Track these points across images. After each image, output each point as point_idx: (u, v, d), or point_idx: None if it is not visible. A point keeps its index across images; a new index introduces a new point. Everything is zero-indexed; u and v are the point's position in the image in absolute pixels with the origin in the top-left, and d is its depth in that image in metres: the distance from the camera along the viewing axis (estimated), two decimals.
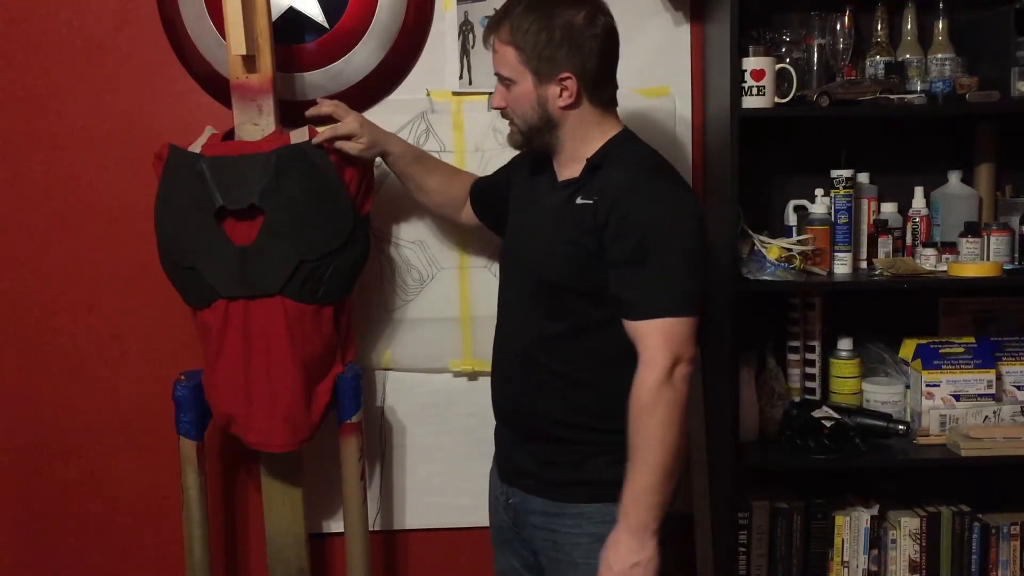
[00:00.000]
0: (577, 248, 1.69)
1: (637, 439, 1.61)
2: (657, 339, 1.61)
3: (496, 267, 2.28)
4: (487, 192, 2.06)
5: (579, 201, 1.70)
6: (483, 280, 2.29)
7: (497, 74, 1.76)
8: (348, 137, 1.99)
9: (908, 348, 2.28)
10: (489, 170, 2.23)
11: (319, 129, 2.00)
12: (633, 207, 1.64)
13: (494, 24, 1.74)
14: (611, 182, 1.68)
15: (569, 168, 1.77)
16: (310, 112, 2.03)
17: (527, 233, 1.82)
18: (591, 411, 1.70)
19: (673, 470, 1.62)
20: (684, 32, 2.28)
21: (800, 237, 2.22)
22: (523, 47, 1.70)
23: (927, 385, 2.23)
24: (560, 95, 1.70)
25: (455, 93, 2.24)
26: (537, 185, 1.84)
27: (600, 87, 1.73)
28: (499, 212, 1.98)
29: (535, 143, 1.78)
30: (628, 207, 1.64)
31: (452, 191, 2.12)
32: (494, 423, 2.30)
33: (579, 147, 1.75)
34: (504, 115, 1.80)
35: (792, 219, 2.30)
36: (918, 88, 2.19)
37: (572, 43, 1.68)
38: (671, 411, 1.60)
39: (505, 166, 2.04)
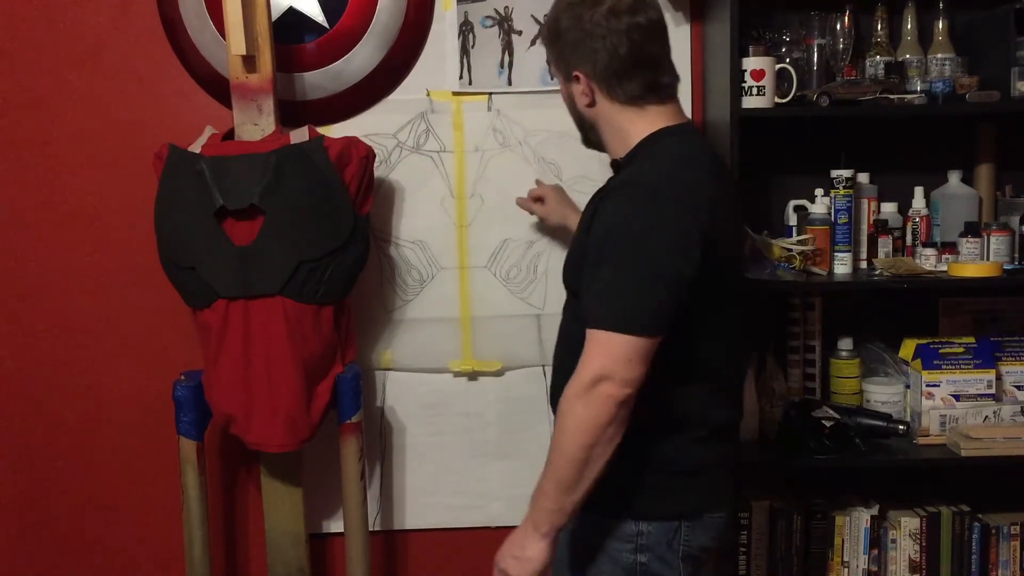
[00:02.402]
0: (578, 250, 1.66)
1: (551, 441, 1.56)
2: (591, 349, 1.52)
3: (496, 267, 2.28)
4: None
5: (595, 201, 1.67)
6: (483, 280, 2.29)
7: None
8: (539, 200, 2.18)
9: (908, 348, 2.28)
10: (489, 170, 2.25)
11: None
12: (605, 209, 1.57)
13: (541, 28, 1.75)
14: (614, 182, 1.64)
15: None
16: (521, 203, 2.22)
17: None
18: None
19: (571, 484, 1.53)
20: (684, 32, 2.28)
21: (800, 237, 2.22)
22: (549, 48, 1.71)
23: (927, 385, 2.23)
24: (581, 93, 1.68)
25: (455, 93, 2.24)
26: None
27: (618, 84, 1.65)
28: None
29: (588, 141, 1.77)
30: (603, 208, 1.58)
31: None
32: (494, 423, 2.34)
33: (617, 147, 1.69)
34: None
35: (792, 219, 2.31)
36: (918, 88, 2.19)
37: (577, 41, 1.65)
38: (580, 426, 1.50)
39: None
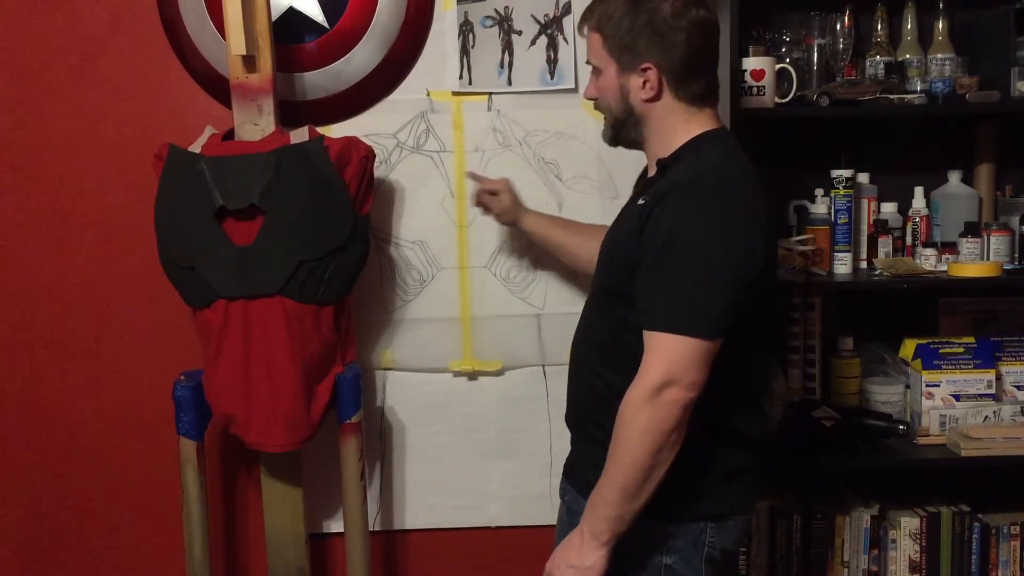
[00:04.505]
0: (623, 249, 1.62)
1: (611, 449, 1.54)
2: (655, 353, 1.51)
3: (496, 267, 2.28)
4: None
5: (639, 202, 1.63)
6: (483, 280, 2.29)
7: (588, 63, 1.71)
8: (493, 194, 2.11)
9: (908, 348, 2.28)
10: (489, 170, 2.24)
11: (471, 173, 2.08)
12: (665, 210, 1.54)
13: (586, 11, 1.69)
14: (666, 183, 1.59)
15: (653, 168, 1.69)
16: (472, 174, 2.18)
17: (606, 236, 1.77)
18: None
19: (636, 491, 1.52)
20: None
21: (800, 237, 2.22)
22: (608, 34, 1.64)
23: (927, 385, 2.24)
24: (643, 87, 1.63)
25: (455, 93, 2.24)
26: (636, 189, 1.79)
27: (686, 82, 1.62)
28: None
29: (622, 137, 1.71)
30: (662, 209, 1.54)
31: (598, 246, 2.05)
32: (494, 423, 2.34)
33: (662, 145, 1.66)
34: (597, 107, 1.73)
35: (792, 219, 2.31)
36: (918, 88, 2.19)
37: (654, 32, 1.60)
38: (646, 431, 1.50)
39: None
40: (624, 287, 1.61)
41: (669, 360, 1.50)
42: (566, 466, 1.83)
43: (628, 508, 1.53)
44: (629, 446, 1.51)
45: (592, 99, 1.74)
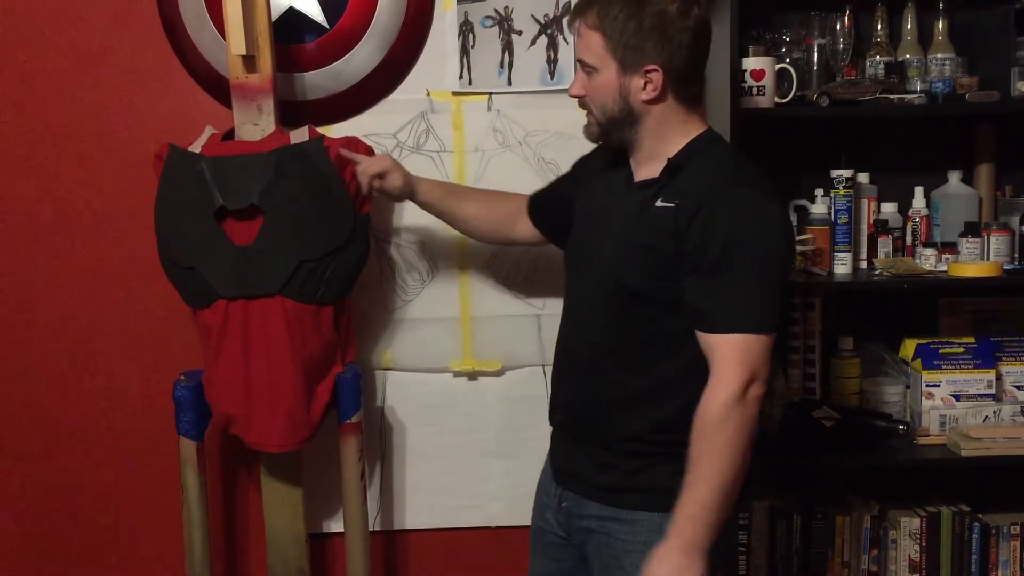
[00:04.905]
0: (654, 254, 1.60)
1: (701, 455, 1.54)
2: (734, 355, 1.53)
3: (496, 267, 2.28)
4: (551, 202, 1.94)
5: (659, 204, 1.60)
6: (483, 280, 2.28)
7: (579, 60, 1.67)
8: (382, 176, 1.97)
9: (908, 348, 2.28)
10: (489, 170, 2.23)
11: (343, 152, 1.99)
12: (716, 214, 1.55)
13: (582, 7, 1.65)
14: (694, 185, 1.58)
15: (647, 167, 1.67)
16: (344, 153, 2.00)
17: (600, 236, 1.71)
18: (654, 425, 1.62)
19: (733, 490, 1.54)
20: None
21: (800, 237, 2.22)
22: (610, 34, 1.60)
23: (927, 385, 2.24)
24: (644, 88, 1.61)
25: (455, 93, 2.24)
26: (610, 185, 1.74)
27: (687, 83, 1.62)
28: (566, 221, 1.85)
29: (612, 137, 1.69)
30: (711, 213, 1.55)
31: (496, 214, 2.03)
32: (494, 423, 2.33)
33: (659, 145, 1.65)
34: (582, 104, 1.70)
35: (792, 219, 2.31)
36: (918, 88, 2.19)
37: (662, 34, 1.58)
38: (740, 431, 1.53)
39: (567, 173, 1.95)
40: (659, 291, 1.60)
41: (750, 359, 1.53)
42: (559, 471, 1.81)
43: (727, 509, 1.56)
44: (726, 448, 1.53)
45: (577, 96, 1.70)
